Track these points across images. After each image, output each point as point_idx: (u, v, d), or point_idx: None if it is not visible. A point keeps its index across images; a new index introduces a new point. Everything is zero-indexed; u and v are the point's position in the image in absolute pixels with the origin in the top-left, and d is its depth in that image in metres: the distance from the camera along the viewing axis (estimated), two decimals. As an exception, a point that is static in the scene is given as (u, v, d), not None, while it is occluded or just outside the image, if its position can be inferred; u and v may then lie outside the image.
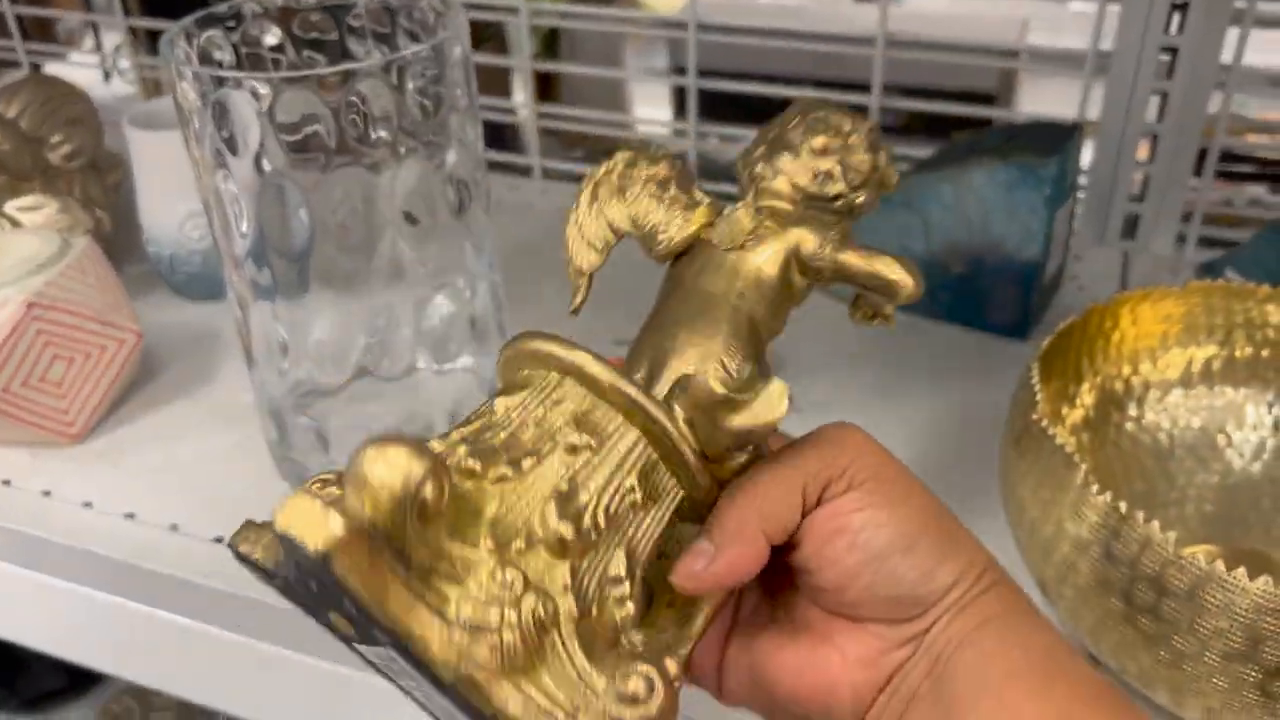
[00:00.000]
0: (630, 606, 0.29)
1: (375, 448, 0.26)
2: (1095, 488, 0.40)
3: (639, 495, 0.30)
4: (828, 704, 0.32)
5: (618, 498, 0.30)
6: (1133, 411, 0.53)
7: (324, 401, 0.54)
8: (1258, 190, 0.89)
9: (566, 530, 0.28)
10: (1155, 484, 0.52)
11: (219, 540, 0.54)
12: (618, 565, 0.29)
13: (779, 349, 0.56)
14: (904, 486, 0.32)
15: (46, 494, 0.58)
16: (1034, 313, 0.67)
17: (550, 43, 1.31)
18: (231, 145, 0.46)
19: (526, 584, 0.27)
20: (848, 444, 0.32)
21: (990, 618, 0.31)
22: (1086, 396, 0.52)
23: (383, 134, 0.47)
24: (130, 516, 0.56)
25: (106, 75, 1.18)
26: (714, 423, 0.31)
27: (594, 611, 0.29)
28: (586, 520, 0.29)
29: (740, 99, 0.84)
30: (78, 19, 1.24)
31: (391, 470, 0.26)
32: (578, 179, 0.56)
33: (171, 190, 0.69)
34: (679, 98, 1.25)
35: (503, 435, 0.31)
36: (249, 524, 0.29)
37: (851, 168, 0.36)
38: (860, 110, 0.37)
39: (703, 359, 0.32)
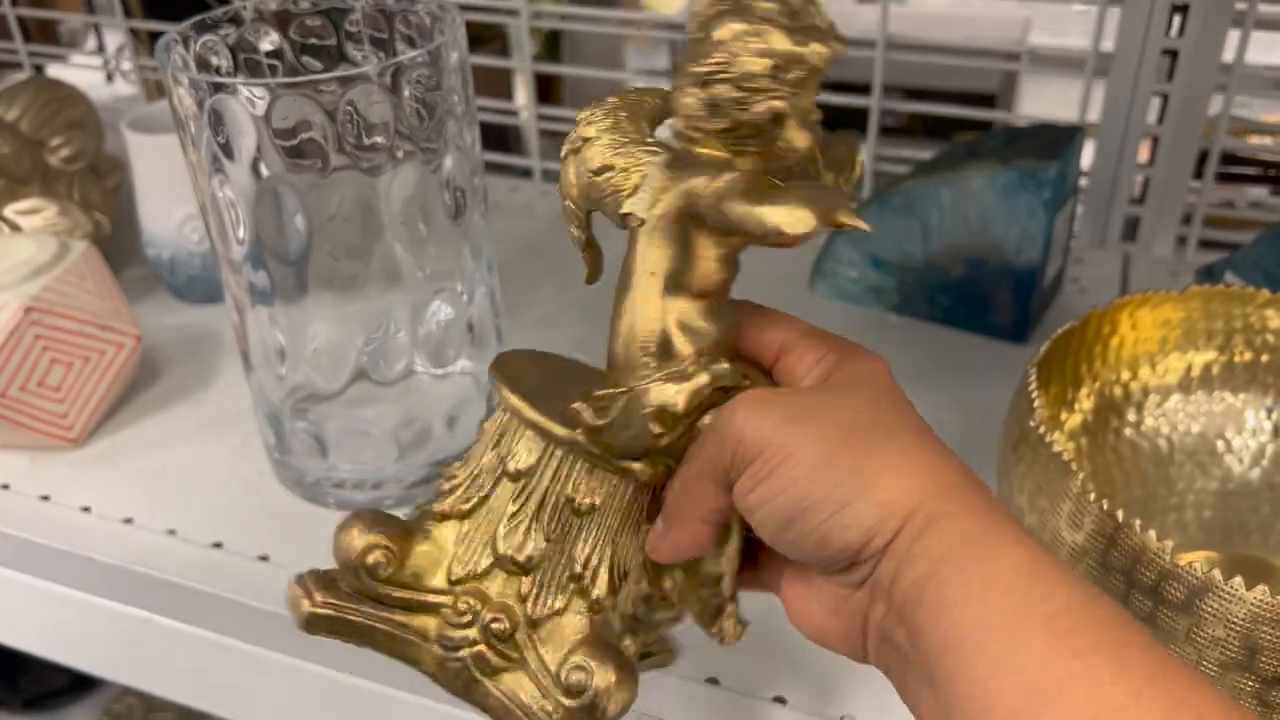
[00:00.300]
0: (599, 590, 0.34)
1: (340, 525, 0.34)
2: (1092, 495, 0.39)
3: (582, 500, 0.34)
4: (832, 644, 0.33)
5: (558, 510, 0.34)
6: (1132, 417, 0.53)
7: (322, 406, 0.54)
8: (1259, 192, 0.89)
9: (516, 552, 0.34)
10: (1154, 490, 0.52)
11: (217, 545, 0.54)
12: (577, 564, 0.34)
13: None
14: (796, 448, 0.30)
15: (45, 498, 0.58)
16: (1034, 316, 0.67)
17: (552, 44, 1.31)
18: (228, 150, 0.46)
19: (485, 602, 0.34)
20: (730, 430, 0.31)
21: (942, 557, 0.28)
22: (1085, 402, 0.52)
23: (380, 139, 0.46)
24: (128, 521, 0.56)
25: (109, 77, 1.19)
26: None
27: (563, 607, 0.34)
28: (531, 540, 0.34)
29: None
30: (80, 21, 1.24)
31: (344, 545, 0.34)
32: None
33: (171, 193, 0.69)
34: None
35: (465, 473, 0.36)
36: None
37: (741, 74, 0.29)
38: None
39: (627, 344, 0.33)
